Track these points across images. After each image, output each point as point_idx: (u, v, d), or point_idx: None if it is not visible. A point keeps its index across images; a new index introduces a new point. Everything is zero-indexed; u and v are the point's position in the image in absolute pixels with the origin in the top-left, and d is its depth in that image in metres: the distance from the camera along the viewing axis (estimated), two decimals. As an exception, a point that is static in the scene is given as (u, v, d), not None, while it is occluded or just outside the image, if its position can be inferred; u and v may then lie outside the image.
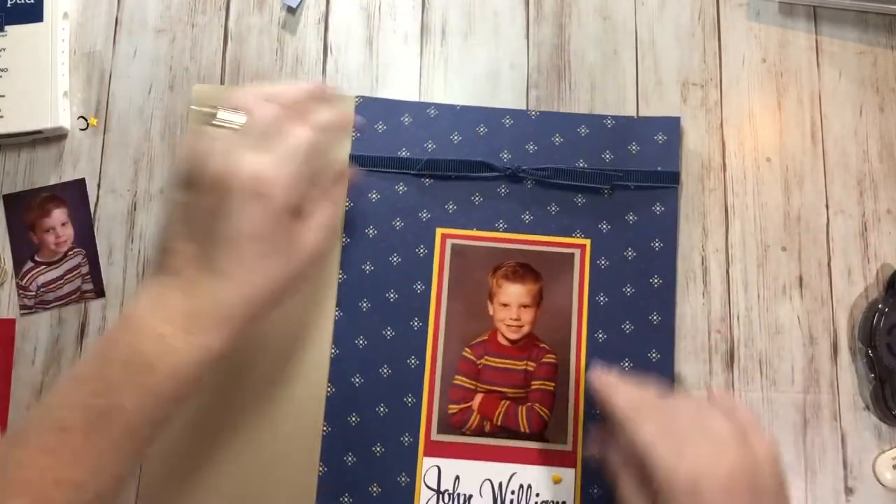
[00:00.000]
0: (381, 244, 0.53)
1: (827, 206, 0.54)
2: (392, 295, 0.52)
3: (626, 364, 0.51)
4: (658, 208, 0.53)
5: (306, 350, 0.52)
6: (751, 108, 0.56)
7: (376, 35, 0.57)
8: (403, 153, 0.54)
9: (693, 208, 0.54)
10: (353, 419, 0.51)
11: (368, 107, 0.55)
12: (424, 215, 0.53)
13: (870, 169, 0.55)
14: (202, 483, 0.50)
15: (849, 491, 0.51)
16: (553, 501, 0.50)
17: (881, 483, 0.50)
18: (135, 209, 0.55)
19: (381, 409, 0.51)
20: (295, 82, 0.52)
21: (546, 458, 0.50)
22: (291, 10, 0.57)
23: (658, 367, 0.51)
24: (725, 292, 0.53)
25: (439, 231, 0.53)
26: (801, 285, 0.53)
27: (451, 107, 0.55)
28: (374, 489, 0.50)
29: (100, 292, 0.54)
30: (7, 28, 0.55)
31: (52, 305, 0.54)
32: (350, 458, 0.50)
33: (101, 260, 0.54)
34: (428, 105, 0.55)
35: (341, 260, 0.53)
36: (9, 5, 0.55)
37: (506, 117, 0.55)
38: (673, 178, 0.53)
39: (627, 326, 0.52)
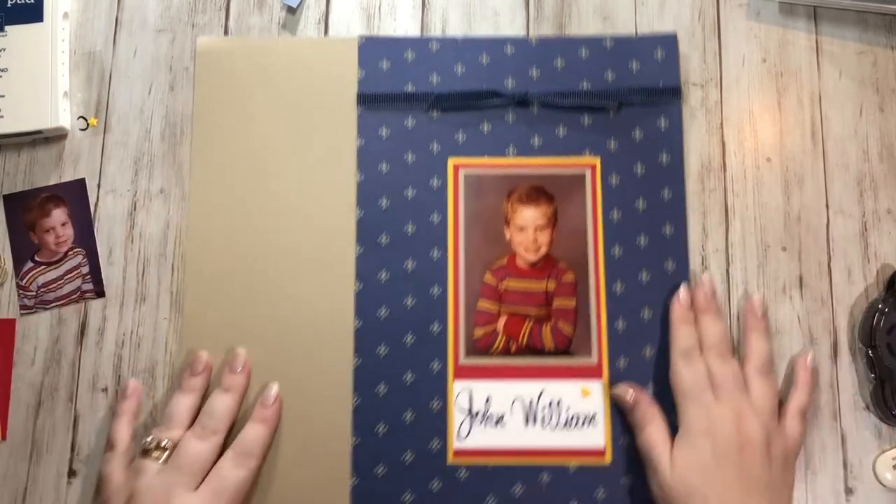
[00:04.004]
0: (394, 179, 0.54)
1: (827, 206, 0.54)
2: (410, 227, 0.53)
3: (644, 275, 0.52)
4: (663, 123, 0.54)
5: (331, 287, 0.53)
6: (751, 108, 0.56)
7: (376, 35, 0.57)
8: (409, 88, 0.55)
9: (693, 208, 0.54)
10: (382, 350, 0.52)
11: (371, 46, 0.56)
12: (435, 147, 0.54)
13: (870, 169, 0.55)
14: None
15: (849, 491, 0.51)
16: (583, 414, 0.51)
17: (881, 483, 0.50)
18: (135, 209, 0.55)
19: (409, 339, 0.52)
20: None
21: (573, 373, 0.51)
22: (291, 10, 0.57)
23: (674, 276, 0.52)
24: (725, 292, 0.53)
25: (451, 161, 0.54)
26: (801, 285, 0.53)
27: (453, 39, 0.56)
28: (408, 416, 0.51)
29: (100, 292, 0.54)
30: (7, 28, 0.55)
31: (52, 305, 0.54)
32: (382, 388, 0.51)
33: (101, 260, 0.54)
34: (430, 40, 0.56)
35: (357, 197, 0.53)
36: (9, 5, 0.55)
37: (507, 45, 0.55)
38: (675, 93, 0.55)
39: (642, 240, 0.53)
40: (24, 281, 0.54)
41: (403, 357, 0.52)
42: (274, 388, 0.51)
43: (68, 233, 0.54)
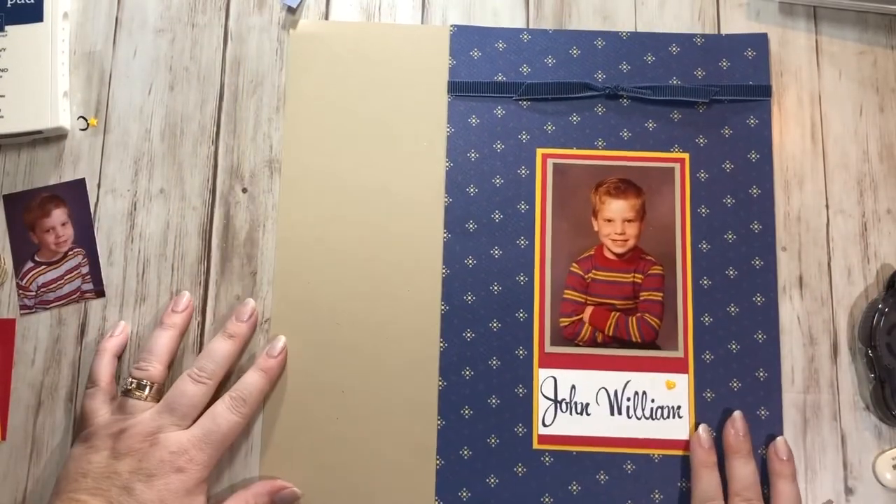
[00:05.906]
0: (483, 167, 0.55)
1: (827, 206, 0.54)
2: (497, 215, 0.54)
3: (731, 272, 0.53)
4: (752, 121, 0.55)
5: (418, 271, 0.53)
6: (751, 108, 0.56)
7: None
8: (500, 78, 0.56)
9: (693, 208, 0.54)
10: (469, 335, 0.52)
11: (462, 35, 0.56)
12: (524, 137, 0.55)
13: (870, 169, 0.55)
14: (323, 403, 0.52)
15: (849, 491, 0.51)
16: (668, 406, 0.51)
17: (881, 483, 0.50)
18: (135, 209, 0.55)
19: (495, 325, 0.52)
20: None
21: (658, 365, 0.52)
22: (291, 10, 0.57)
23: (762, 273, 0.53)
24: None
25: (539, 151, 0.55)
26: (801, 285, 0.53)
27: (544, 31, 0.56)
28: (493, 401, 0.52)
29: (100, 292, 0.54)
30: (7, 28, 0.55)
31: (52, 305, 0.54)
32: (468, 372, 0.52)
33: (101, 260, 0.54)
34: (521, 31, 0.56)
35: (446, 184, 0.54)
36: (9, 5, 0.55)
37: (598, 39, 0.56)
38: (765, 91, 0.55)
39: (730, 236, 0.53)
40: (24, 281, 0.54)
41: (489, 343, 0.52)
42: (281, 341, 0.51)
43: (68, 233, 0.54)
